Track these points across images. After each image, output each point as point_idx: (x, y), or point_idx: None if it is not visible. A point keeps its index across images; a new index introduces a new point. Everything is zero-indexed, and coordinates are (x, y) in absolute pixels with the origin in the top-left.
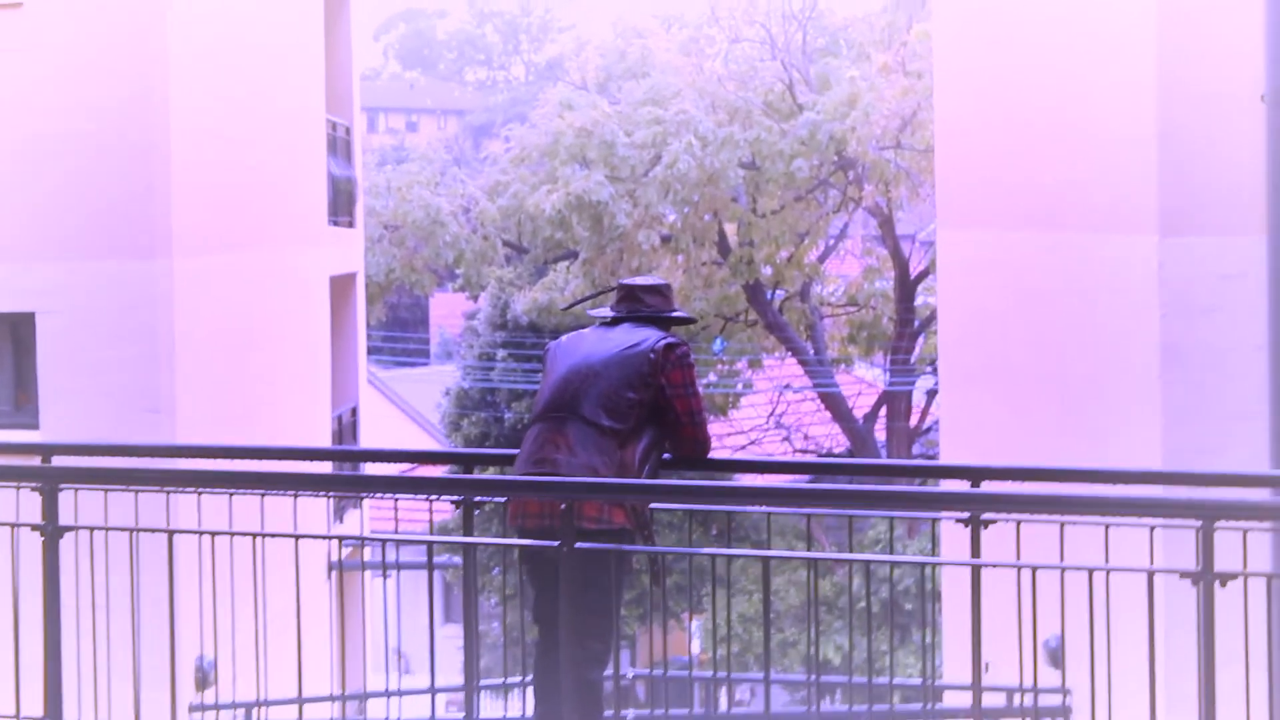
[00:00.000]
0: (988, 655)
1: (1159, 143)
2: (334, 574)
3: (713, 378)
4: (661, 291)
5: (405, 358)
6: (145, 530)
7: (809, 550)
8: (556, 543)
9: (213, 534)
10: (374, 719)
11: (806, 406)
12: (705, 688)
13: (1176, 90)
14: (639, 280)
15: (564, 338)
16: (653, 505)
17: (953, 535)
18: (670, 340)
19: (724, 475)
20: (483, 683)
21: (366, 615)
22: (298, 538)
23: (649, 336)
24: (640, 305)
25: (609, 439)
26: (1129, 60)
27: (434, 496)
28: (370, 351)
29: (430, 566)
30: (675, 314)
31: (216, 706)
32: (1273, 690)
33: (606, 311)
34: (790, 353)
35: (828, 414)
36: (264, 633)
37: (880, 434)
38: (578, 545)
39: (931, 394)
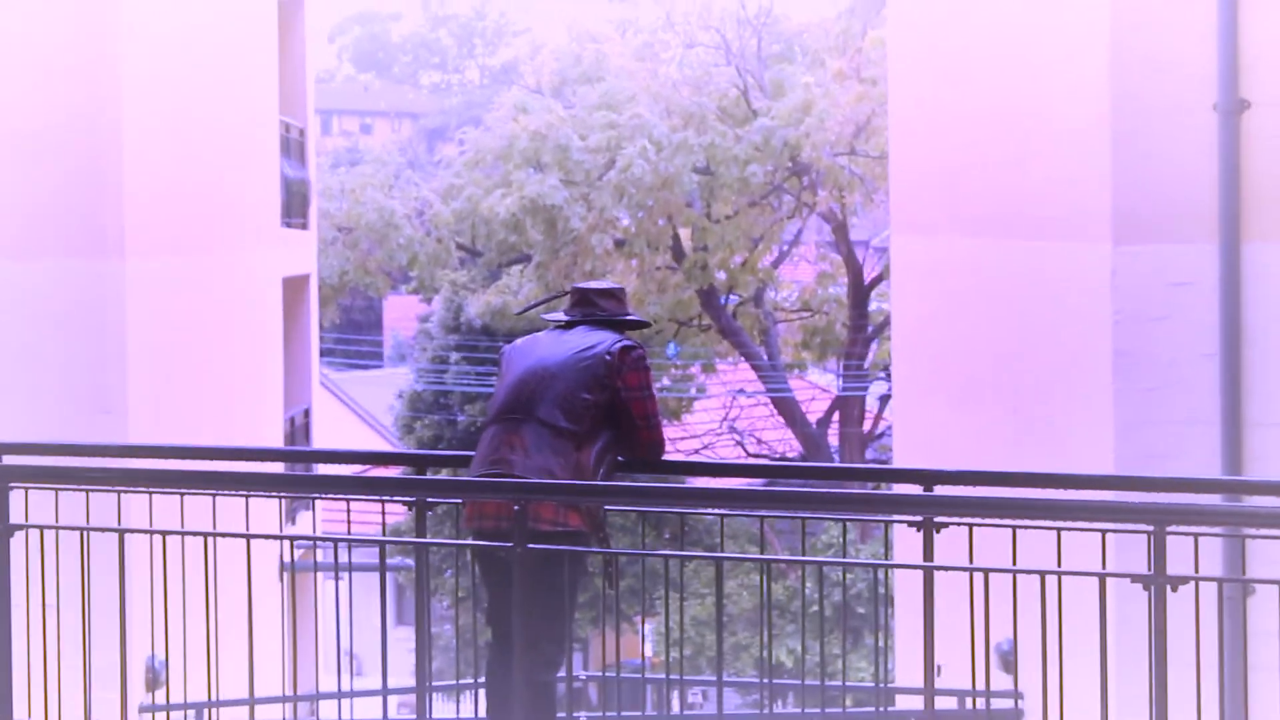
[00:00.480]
0: (940, 659)
1: (1112, 150)
2: (286, 575)
3: (666, 382)
4: (616, 295)
5: (358, 360)
6: (96, 530)
7: (762, 553)
8: (510, 544)
9: (164, 534)
10: (325, 719)
11: (760, 411)
12: (658, 690)
13: (1130, 99)
14: (593, 284)
15: (519, 341)
16: (607, 508)
17: (906, 539)
18: (626, 343)
19: (678, 479)
20: (435, 684)
21: (318, 617)
22: (249, 538)
23: (605, 339)
24: (595, 309)
25: (565, 441)
26: (1083, 69)
27: (387, 498)
28: (323, 354)
29: (382, 568)
30: (630, 317)
31: (168, 707)
32: (1223, 694)
33: (561, 315)
34: (744, 358)
35: (781, 419)
36: (215, 633)
37: (834, 439)
38: (530, 546)
39: (885, 399)
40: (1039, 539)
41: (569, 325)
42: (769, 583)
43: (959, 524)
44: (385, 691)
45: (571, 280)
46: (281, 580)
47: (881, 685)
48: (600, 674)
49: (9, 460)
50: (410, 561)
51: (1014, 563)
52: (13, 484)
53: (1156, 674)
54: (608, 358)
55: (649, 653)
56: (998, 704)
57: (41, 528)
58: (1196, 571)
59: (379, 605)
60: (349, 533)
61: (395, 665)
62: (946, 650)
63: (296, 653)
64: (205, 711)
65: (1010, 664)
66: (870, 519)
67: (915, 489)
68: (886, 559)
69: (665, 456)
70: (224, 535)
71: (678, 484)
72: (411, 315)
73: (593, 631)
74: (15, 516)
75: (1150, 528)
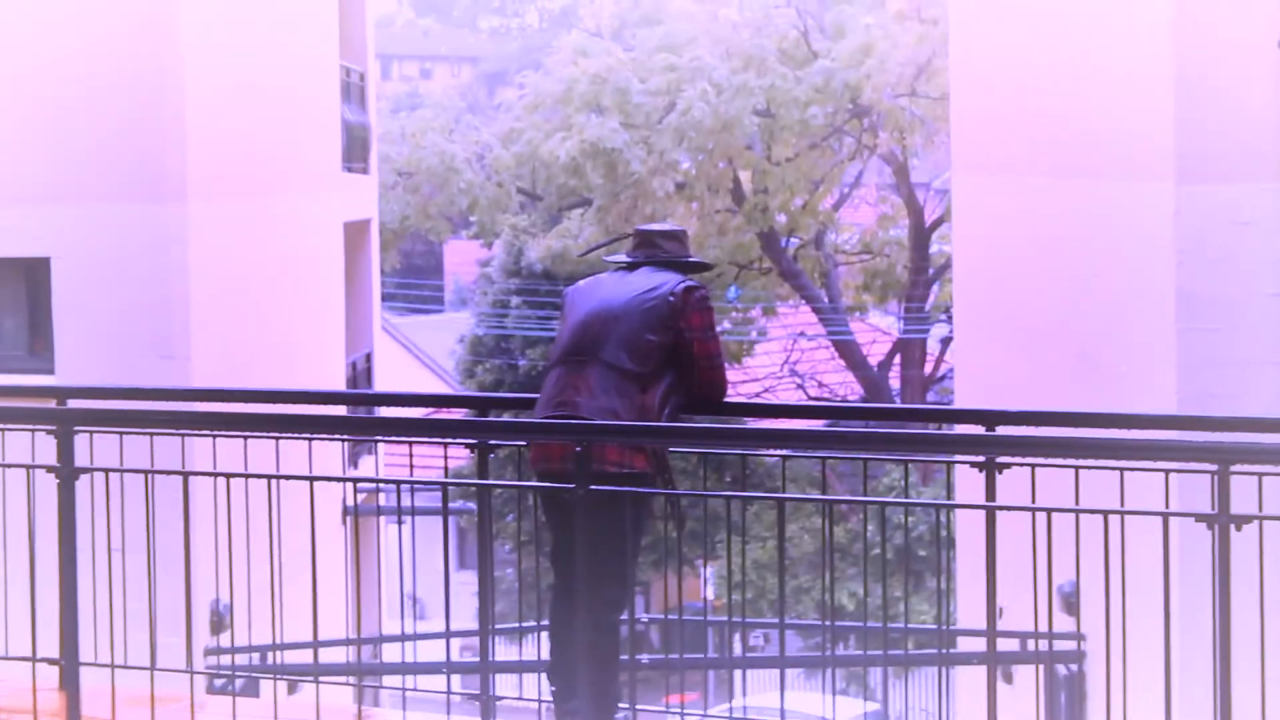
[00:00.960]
0: (1002, 601)
1: (1175, 90)
2: (349, 519)
3: (727, 325)
4: (678, 237)
5: (420, 305)
6: (160, 472)
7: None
8: (572, 485)
9: (228, 476)
10: (389, 662)
11: (820, 354)
12: (719, 633)
13: (1193, 37)
14: (656, 226)
15: (582, 282)
16: (671, 449)
17: (967, 481)
18: (690, 284)
19: (739, 421)
20: (497, 626)
21: (381, 561)
22: (312, 480)
23: (668, 280)
24: (657, 250)
25: (630, 382)
26: (1145, 7)
27: (449, 440)
28: (384, 298)
29: (445, 511)
30: (693, 259)
31: (233, 650)
32: None
33: (623, 257)
34: (804, 300)
35: (842, 362)
36: (279, 577)
37: (895, 382)
38: (593, 488)
39: (946, 342)
40: (1101, 482)
41: (632, 267)
42: (831, 524)
43: (1021, 464)
44: (448, 634)
45: (631, 224)
46: (344, 524)
47: (943, 627)
48: (662, 616)
49: (74, 404)
50: (472, 505)
51: (1076, 504)
52: (78, 428)
53: (1221, 614)
54: (671, 298)
55: (710, 596)
56: (1060, 645)
57: (107, 470)
58: (1261, 510)
59: (441, 549)
60: (411, 476)
61: (457, 609)
62: (1008, 593)
63: (360, 597)
64: (269, 654)
65: (1073, 606)
66: (932, 459)
67: (977, 429)
68: (949, 500)
69: (726, 399)
70: (287, 478)
71: (740, 424)
72: (472, 260)
73: (654, 575)
74: (80, 461)
75: (1214, 466)
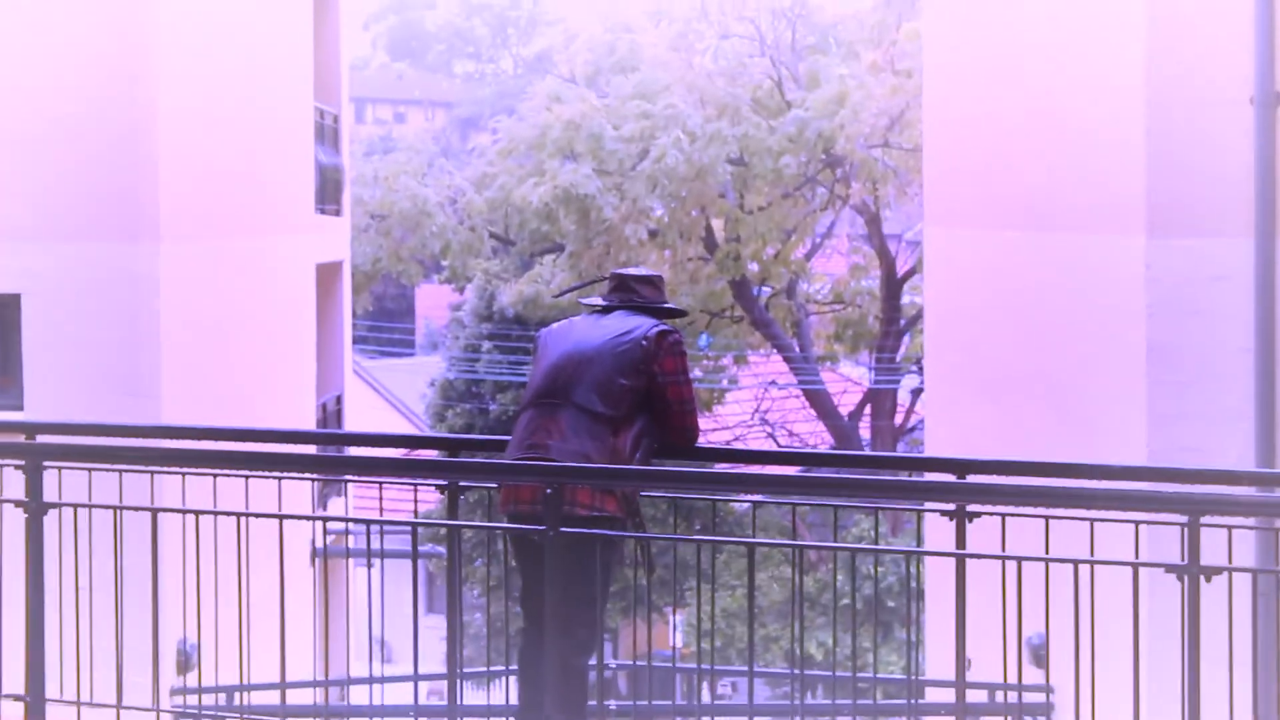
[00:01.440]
0: (971, 653)
1: (1147, 143)
2: (317, 561)
3: (698, 373)
4: (654, 283)
5: (391, 348)
6: (129, 508)
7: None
8: (543, 527)
9: (197, 513)
10: (356, 704)
11: (791, 403)
12: (688, 681)
13: (1165, 91)
14: (632, 270)
15: (555, 325)
16: (642, 494)
17: (937, 533)
18: (663, 328)
19: (710, 466)
20: (466, 670)
21: (349, 604)
22: (282, 518)
23: (642, 324)
24: (633, 295)
25: (602, 425)
26: (1118, 61)
27: (420, 479)
28: (356, 341)
29: (415, 551)
30: (667, 305)
31: (199, 690)
32: (1257, 687)
33: (598, 300)
34: (776, 349)
35: (812, 411)
36: (247, 617)
37: (865, 432)
38: (564, 530)
39: (916, 393)
40: (1071, 535)
41: (606, 310)
42: (801, 571)
43: (992, 514)
44: (416, 678)
45: (604, 270)
46: (313, 565)
47: (912, 678)
48: (631, 663)
49: (43, 440)
50: (441, 549)
51: (1047, 553)
52: (47, 463)
53: (1190, 665)
54: (644, 342)
55: (679, 643)
56: (1029, 698)
57: (75, 506)
58: (1230, 562)
59: (410, 592)
60: (380, 516)
61: (424, 653)
62: (977, 644)
63: (328, 639)
64: (236, 694)
65: (1042, 658)
66: (902, 507)
67: (949, 478)
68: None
69: (698, 444)
70: (257, 515)
71: (710, 470)
72: (444, 304)
73: (623, 621)
74: (49, 497)
75: (1184, 518)
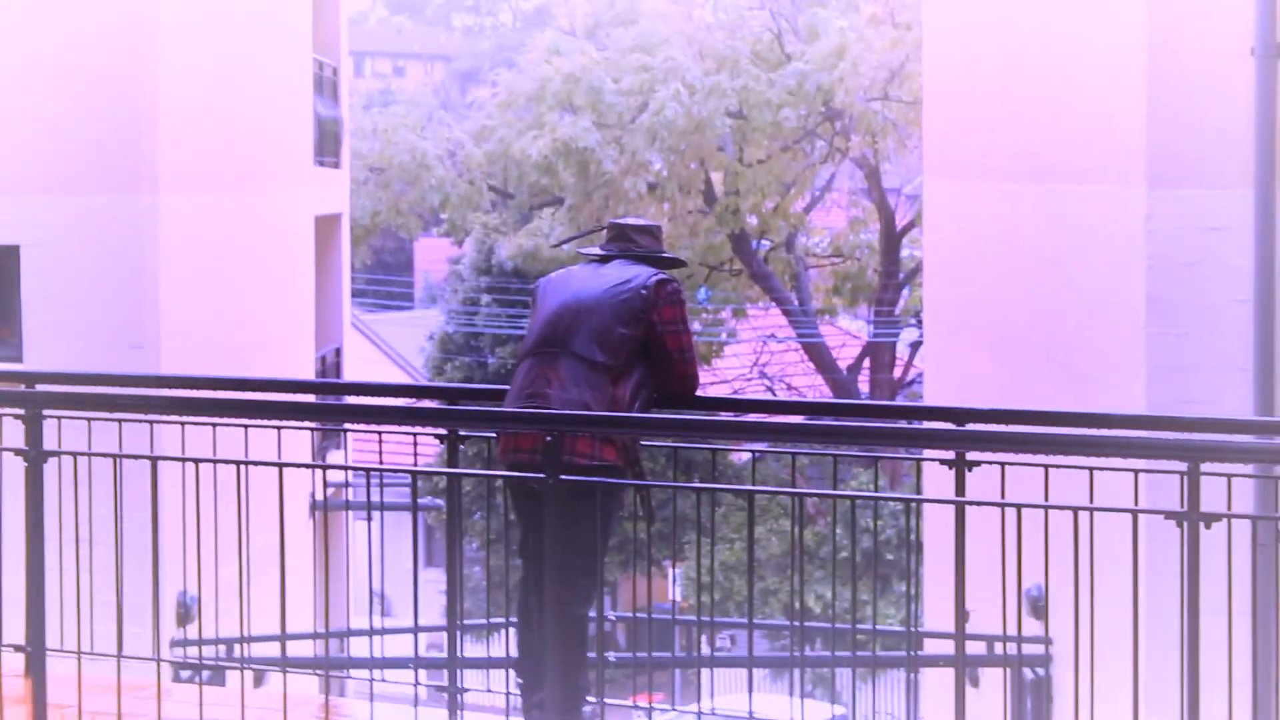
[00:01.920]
0: (970, 605)
1: (1148, 94)
2: (317, 514)
3: (697, 326)
4: (653, 233)
5: (390, 301)
6: (128, 456)
7: (792, 498)
8: (542, 475)
9: (196, 461)
10: (356, 656)
11: (790, 357)
12: (687, 633)
13: (1166, 43)
14: (631, 220)
15: (554, 274)
16: (641, 443)
17: (937, 481)
18: (662, 276)
19: (710, 415)
20: (465, 622)
21: (349, 557)
22: (281, 466)
23: (640, 273)
24: (632, 245)
25: (601, 374)
26: (1118, 12)
27: (419, 427)
28: (355, 294)
29: (415, 501)
30: (666, 255)
31: (200, 641)
32: (1256, 634)
33: (597, 250)
34: (774, 303)
35: (811, 365)
36: (247, 568)
37: (864, 385)
38: (564, 478)
39: (915, 346)
40: (1071, 485)
41: (605, 260)
42: (801, 521)
43: (991, 461)
44: (416, 629)
45: (602, 223)
46: (312, 518)
47: (911, 629)
48: (630, 615)
49: (42, 389)
50: (440, 501)
51: (1046, 500)
52: (46, 411)
53: (1189, 612)
54: (644, 291)
55: (678, 597)
56: (1028, 649)
57: (75, 454)
58: (1230, 509)
59: (409, 545)
60: (380, 470)
61: (423, 606)
62: (976, 597)
63: (328, 592)
64: (236, 646)
65: (1040, 610)
66: (903, 456)
67: (948, 427)
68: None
69: (698, 394)
70: (256, 463)
71: (710, 417)
72: (443, 257)
73: (622, 574)
74: (49, 445)
75: (1184, 465)
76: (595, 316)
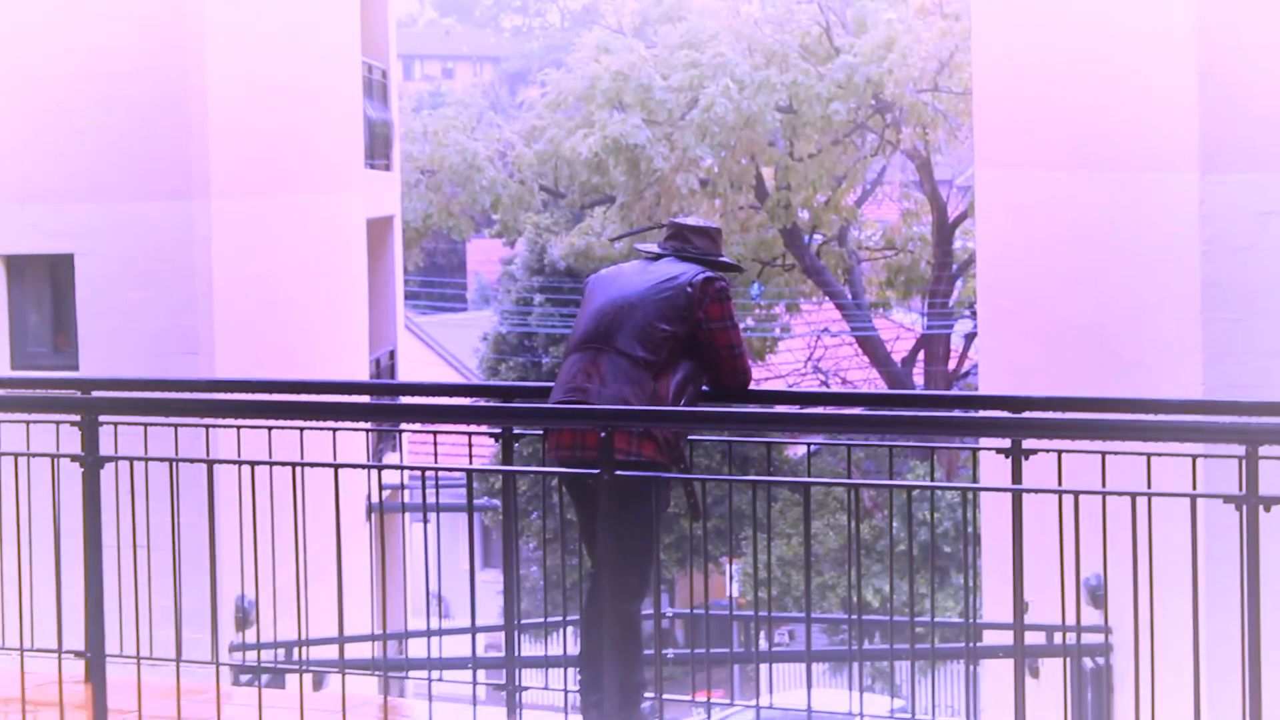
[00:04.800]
0: (1028, 596)
1: (1199, 80)
2: (373, 516)
3: (750, 322)
4: (711, 235)
5: (443, 303)
6: (184, 460)
7: (849, 489)
8: (596, 470)
9: (253, 464)
10: (414, 658)
11: (844, 351)
12: (745, 629)
13: (1217, 27)
14: (690, 220)
15: (604, 271)
16: (690, 438)
17: (994, 474)
18: (708, 275)
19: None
20: (522, 622)
21: (406, 559)
22: (337, 467)
23: (687, 271)
24: (688, 245)
25: (642, 370)
26: None
27: (473, 425)
28: (407, 297)
29: (470, 500)
30: (722, 259)
31: (258, 645)
32: None
33: (653, 247)
34: (828, 297)
35: (865, 358)
36: (305, 571)
37: (918, 378)
38: (618, 473)
39: (970, 338)
40: (1128, 473)
41: (657, 257)
42: (857, 512)
43: (1048, 450)
44: (474, 629)
45: (654, 221)
46: (369, 521)
47: (970, 621)
48: (688, 611)
49: (98, 395)
50: (496, 502)
51: (1103, 487)
52: (103, 417)
53: (1250, 596)
54: (689, 289)
55: (735, 593)
56: (1088, 639)
57: (131, 459)
58: None
59: (465, 546)
60: (435, 470)
61: (482, 607)
62: (1035, 588)
63: (385, 593)
64: (295, 650)
65: (1099, 599)
66: (959, 446)
67: (1004, 415)
68: (974, 495)
69: (751, 388)
70: (312, 465)
71: (762, 410)
72: (495, 258)
73: (679, 572)
74: (105, 450)
75: (1242, 449)
76: (639, 313)
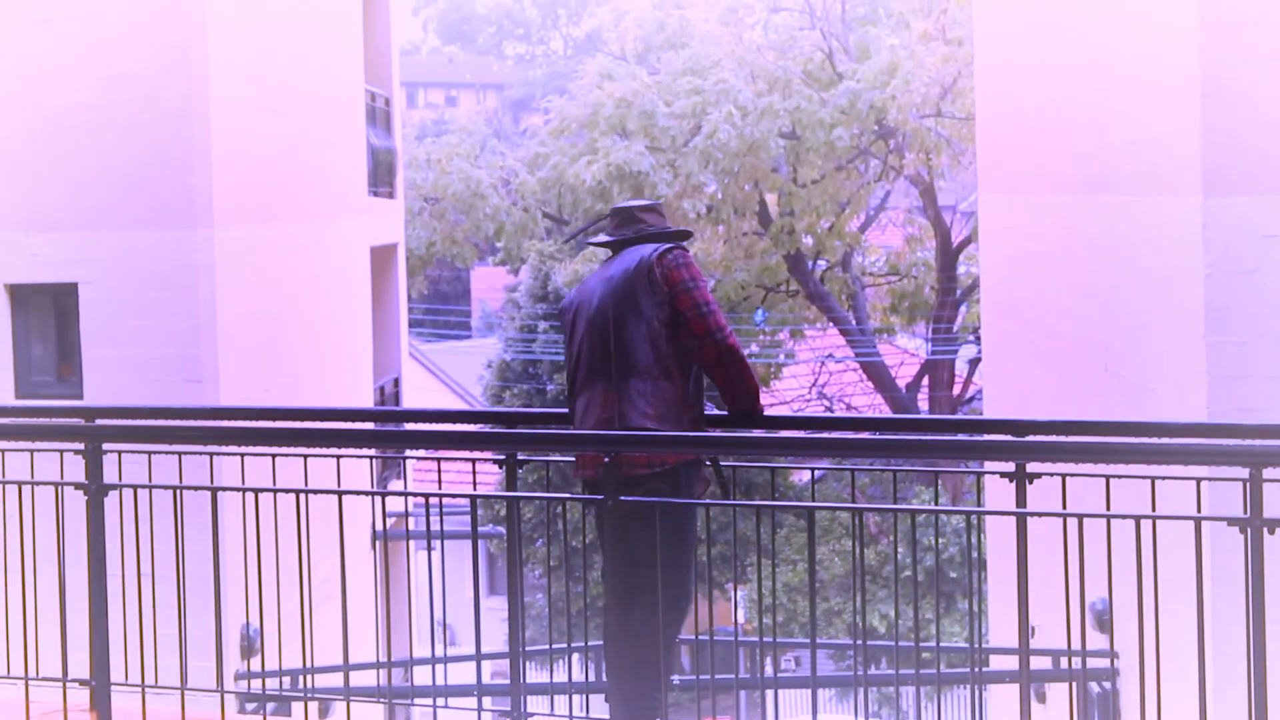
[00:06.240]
0: (1034, 620)
1: (1201, 103)
2: (378, 544)
3: (755, 348)
4: (657, 209)
5: (447, 330)
6: (189, 488)
7: (853, 514)
8: (601, 498)
9: (256, 491)
10: (420, 685)
11: (849, 377)
12: (751, 655)
13: (1218, 50)
14: (633, 202)
15: (573, 293)
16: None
17: (998, 498)
18: (661, 248)
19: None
20: (528, 649)
21: (411, 587)
22: (341, 494)
23: (640, 251)
24: (639, 225)
25: (645, 380)
26: (1170, 21)
27: (478, 452)
28: (412, 324)
29: (475, 526)
30: (672, 230)
31: (263, 674)
32: None
33: (605, 237)
34: (832, 323)
35: (870, 384)
36: (309, 598)
37: (923, 403)
38: (622, 499)
39: (974, 363)
40: (1132, 497)
41: (617, 247)
42: (862, 537)
43: (1052, 474)
44: (479, 657)
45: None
46: (374, 549)
47: (975, 646)
48: (693, 637)
49: (102, 423)
50: (501, 529)
51: (1108, 510)
52: (106, 445)
53: (1255, 619)
54: (651, 269)
55: (740, 619)
56: (1093, 663)
57: (135, 486)
58: None
59: (470, 573)
60: (440, 496)
61: (487, 635)
62: (1040, 612)
63: (390, 621)
64: (300, 678)
65: (1105, 623)
66: (963, 470)
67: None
68: (978, 519)
69: (762, 412)
70: (316, 491)
71: (768, 435)
72: (499, 286)
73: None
74: (109, 479)
75: (1246, 472)
76: (619, 323)
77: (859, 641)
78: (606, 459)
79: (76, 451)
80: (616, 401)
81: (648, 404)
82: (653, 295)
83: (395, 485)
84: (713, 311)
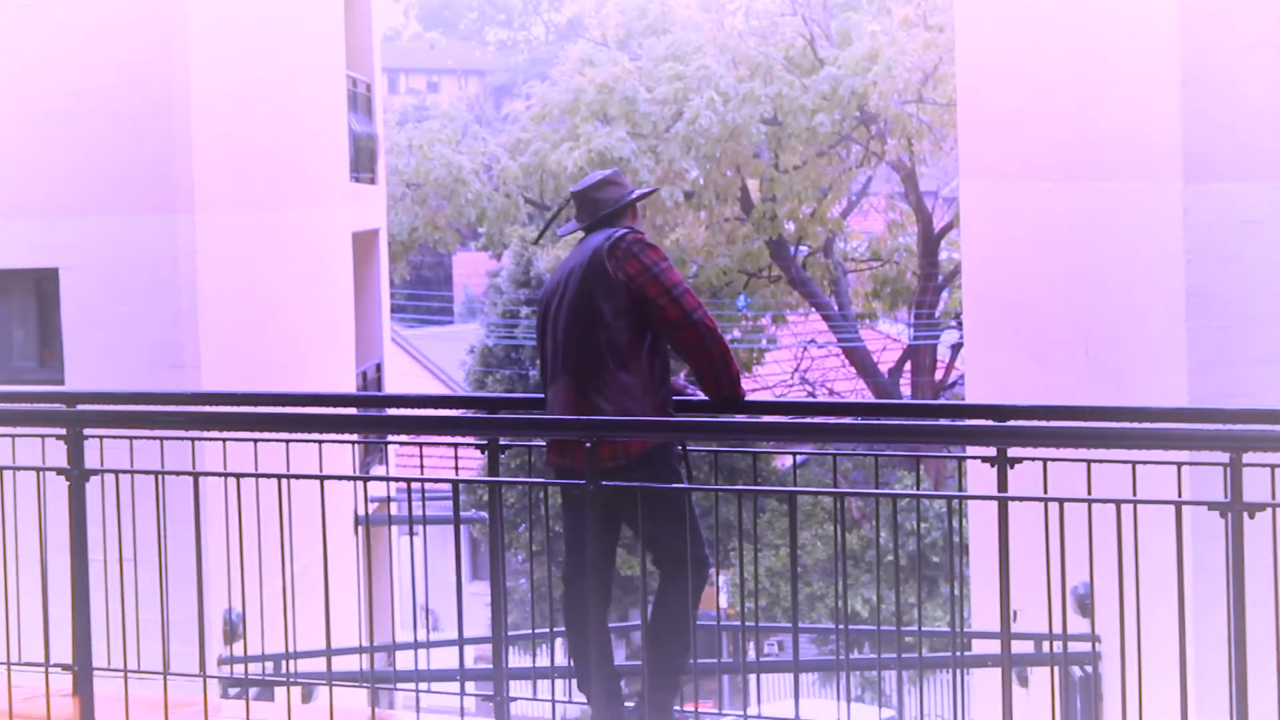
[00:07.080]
0: (1015, 604)
1: (1182, 89)
2: (360, 529)
3: (737, 334)
4: (613, 181)
5: (429, 316)
6: (170, 473)
7: (836, 499)
8: (584, 482)
9: (238, 476)
10: (403, 670)
11: (831, 362)
12: (733, 640)
13: (1198, 37)
14: (587, 182)
15: (543, 290)
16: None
17: (980, 483)
18: (614, 235)
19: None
20: (511, 634)
21: (393, 571)
22: (323, 479)
23: (594, 241)
24: (600, 205)
25: (602, 373)
26: (1151, 8)
27: (459, 437)
28: (394, 310)
29: (456, 511)
30: (633, 195)
31: (246, 659)
32: None
33: (570, 224)
34: (814, 308)
35: (852, 369)
36: (292, 584)
37: (905, 389)
38: (604, 483)
39: (956, 348)
40: (1113, 481)
41: (587, 231)
42: (843, 522)
43: (1033, 458)
44: (461, 641)
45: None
46: (356, 534)
47: (958, 630)
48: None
49: (83, 409)
50: (483, 514)
51: (1089, 494)
52: (88, 430)
53: (1235, 603)
54: (604, 262)
55: (723, 604)
56: (1075, 647)
57: (117, 471)
58: (1275, 499)
59: (452, 558)
60: (421, 480)
61: (470, 619)
62: (1022, 597)
63: (373, 606)
64: (283, 662)
65: (1087, 608)
66: (944, 455)
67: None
68: (960, 505)
69: (742, 397)
70: (298, 477)
71: (750, 419)
72: (481, 271)
73: None
74: (91, 464)
75: (1226, 457)
76: (582, 320)
77: (841, 626)
78: (588, 444)
79: (58, 437)
80: (575, 397)
81: (604, 398)
82: (606, 287)
83: (378, 470)
84: (685, 292)
